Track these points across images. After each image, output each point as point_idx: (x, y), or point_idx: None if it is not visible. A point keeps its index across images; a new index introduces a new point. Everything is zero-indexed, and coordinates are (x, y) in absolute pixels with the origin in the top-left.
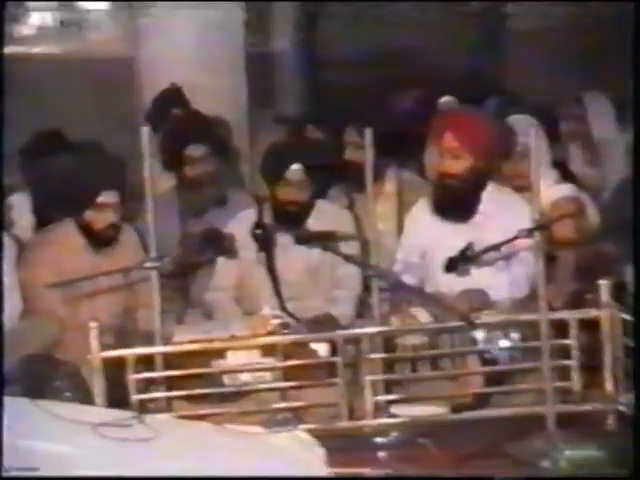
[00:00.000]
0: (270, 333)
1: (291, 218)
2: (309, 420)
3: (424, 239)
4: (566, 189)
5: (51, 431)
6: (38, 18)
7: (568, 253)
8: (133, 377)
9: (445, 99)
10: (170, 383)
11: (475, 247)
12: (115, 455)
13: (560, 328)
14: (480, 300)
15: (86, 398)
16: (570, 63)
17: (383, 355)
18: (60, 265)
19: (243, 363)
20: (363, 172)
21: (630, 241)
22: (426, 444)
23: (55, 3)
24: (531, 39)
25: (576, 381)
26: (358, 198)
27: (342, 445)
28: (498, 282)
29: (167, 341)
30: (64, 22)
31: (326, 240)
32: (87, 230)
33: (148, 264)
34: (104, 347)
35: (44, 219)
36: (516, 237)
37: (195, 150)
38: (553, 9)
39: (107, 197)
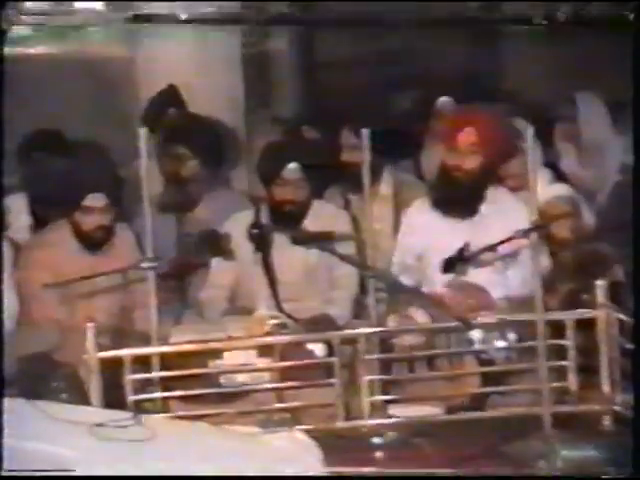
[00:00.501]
0: (267, 333)
1: (288, 218)
2: (306, 420)
3: (421, 239)
4: (560, 189)
5: (48, 432)
6: (35, 18)
7: (564, 253)
8: (130, 377)
9: (443, 99)
10: (167, 383)
11: (472, 247)
12: (112, 455)
13: (556, 328)
14: (476, 294)
15: (83, 399)
16: (567, 64)
17: (380, 355)
18: (57, 266)
19: (240, 363)
20: (359, 173)
21: (628, 242)
22: (423, 444)
23: (52, 3)
24: (529, 40)
25: (572, 381)
26: (354, 199)
27: (339, 445)
28: (494, 282)
29: (164, 341)
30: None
31: (323, 240)
32: (77, 231)
33: (145, 264)
34: (101, 347)
35: (40, 219)
36: (512, 237)
37: (181, 150)
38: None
39: (93, 200)
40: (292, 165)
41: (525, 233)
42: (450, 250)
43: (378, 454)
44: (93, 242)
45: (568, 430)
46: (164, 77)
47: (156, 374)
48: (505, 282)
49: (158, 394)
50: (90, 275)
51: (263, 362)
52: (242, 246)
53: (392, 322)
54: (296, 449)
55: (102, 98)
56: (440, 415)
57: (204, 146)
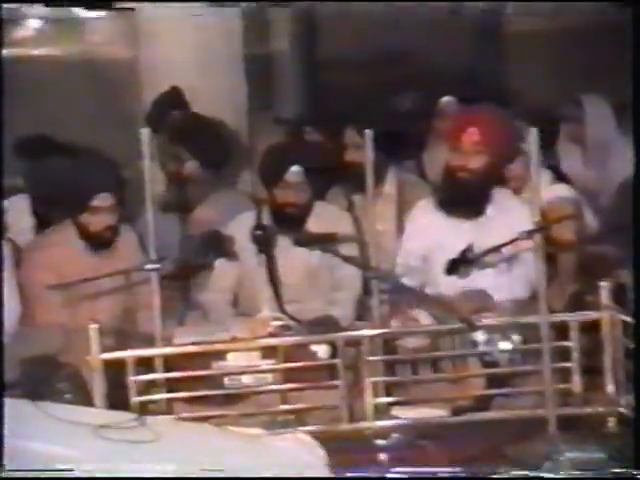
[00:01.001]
0: (270, 335)
1: (290, 221)
2: (310, 422)
3: (425, 241)
4: (561, 190)
5: (52, 433)
6: (38, 20)
7: (568, 254)
8: (133, 379)
9: (446, 99)
10: (170, 385)
11: (476, 249)
12: (116, 457)
13: (561, 330)
14: (482, 301)
15: (86, 400)
16: (570, 65)
17: (383, 357)
18: (60, 267)
19: (244, 365)
20: (363, 173)
21: (630, 243)
22: (427, 446)
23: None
24: (530, 40)
25: (577, 383)
26: (357, 199)
27: (343, 447)
28: (499, 284)
29: (167, 343)
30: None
31: (326, 242)
32: (84, 232)
33: (148, 266)
34: (104, 349)
35: (43, 220)
36: (516, 239)
37: (180, 150)
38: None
39: (101, 200)
40: (295, 168)
41: (529, 234)
42: (454, 252)
43: (382, 456)
44: (100, 242)
45: (573, 432)
46: (167, 79)
47: (160, 375)
48: (509, 284)
49: (162, 395)
50: (93, 276)
51: (267, 364)
52: (245, 248)
53: (395, 324)
54: (300, 451)
55: (105, 99)
56: (444, 417)
57: (204, 147)
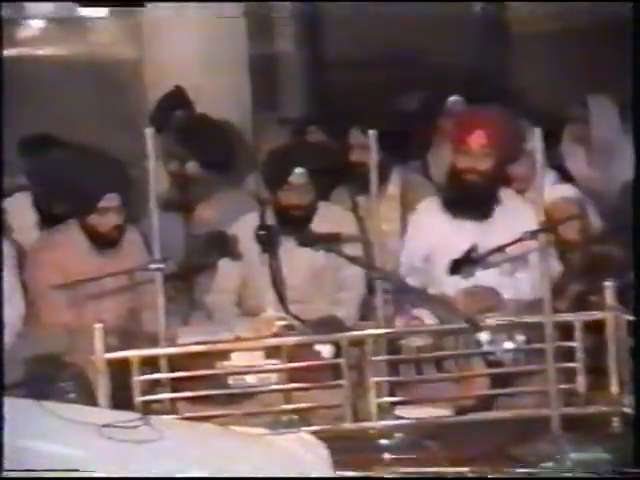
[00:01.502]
0: (274, 335)
1: (294, 222)
2: (314, 422)
3: (429, 241)
4: (565, 189)
5: (56, 432)
6: (42, 20)
7: (572, 255)
8: (137, 378)
9: (453, 98)
10: (174, 384)
11: (480, 249)
12: (119, 456)
13: (565, 330)
14: (490, 299)
15: (91, 399)
16: (574, 65)
17: (387, 357)
18: (64, 267)
19: (248, 365)
20: (368, 173)
21: (632, 243)
22: (431, 446)
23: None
24: (535, 41)
25: (581, 383)
26: (362, 199)
27: (347, 447)
28: (503, 284)
29: (171, 342)
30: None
31: (330, 242)
32: (92, 232)
33: (153, 266)
34: (109, 348)
35: (46, 216)
36: (520, 239)
37: (181, 150)
38: (556, 10)
39: (109, 201)
40: (299, 170)
41: (533, 235)
42: (458, 251)
43: (386, 455)
44: (106, 242)
45: (577, 432)
46: (171, 79)
47: (164, 375)
48: (514, 284)
49: (166, 395)
50: (98, 276)
51: (270, 363)
52: (249, 248)
53: (399, 324)
54: (304, 450)
55: (110, 99)
56: (448, 417)
57: (208, 148)
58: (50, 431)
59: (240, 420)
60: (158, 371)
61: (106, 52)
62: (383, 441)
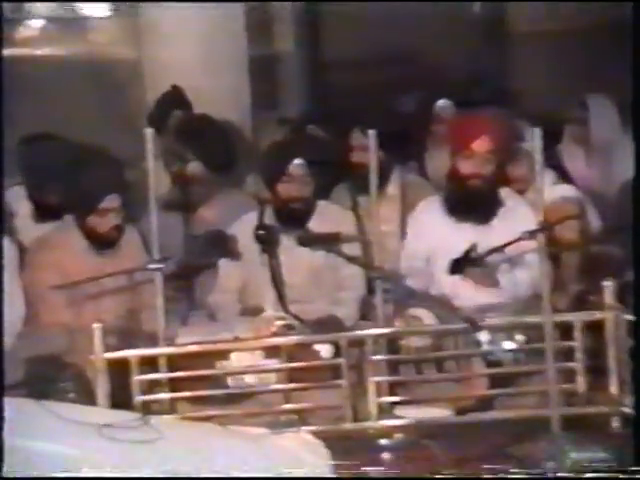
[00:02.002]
0: (274, 335)
1: (294, 216)
2: (313, 422)
3: (429, 241)
4: (565, 189)
5: (56, 432)
6: (41, 20)
7: (571, 254)
8: (137, 378)
9: (442, 102)
10: (174, 384)
11: (480, 249)
12: (119, 456)
13: (564, 330)
14: (487, 278)
15: (90, 399)
16: (573, 65)
17: (387, 357)
18: (63, 268)
19: (247, 365)
20: (368, 174)
21: (632, 243)
22: (430, 446)
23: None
24: (533, 41)
25: (581, 383)
26: (362, 200)
27: (346, 447)
28: (502, 284)
29: (171, 342)
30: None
31: (329, 242)
32: (91, 233)
33: (152, 265)
34: (108, 348)
35: (41, 208)
36: (520, 239)
37: (183, 150)
38: (555, 10)
39: (109, 202)
40: (297, 161)
41: (532, 234)
42: (458, 251)
43: (385, 455)
44: (106, 242)
45: (576, 432)
46: (171, 79)
47: (163, 375)
48: (512, 283)
49: (165, 395)
50: (97, 276)
51: (270, 363)
52: (249, 248)
53: (399, 323)
54: (303, 450)
55: (109, 100)
56: (448, 417)
57: (206, 147)
58: (50, 431)
59: (240, 420)
60: (157, 371)
61: (105, 52)
62: (383, 441)
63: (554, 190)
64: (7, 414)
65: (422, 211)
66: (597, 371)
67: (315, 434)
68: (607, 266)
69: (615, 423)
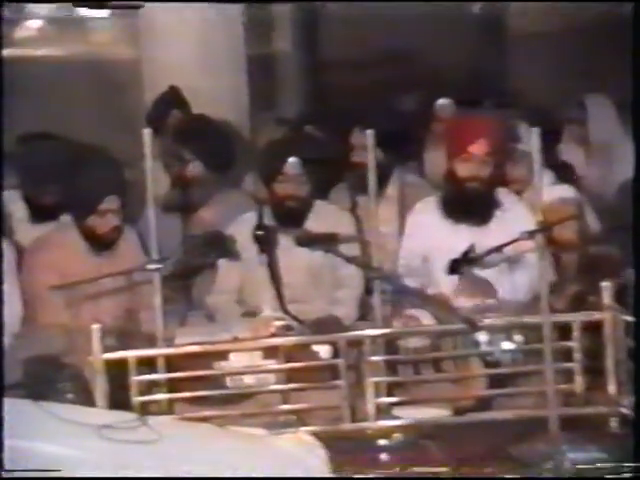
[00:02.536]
0: (272, 335)
1: (290, 215)
2: (312, 422)
3: (426, 241)
4: (563, 190)
5: (54, 433)
6: (40, 20)
7: (569, 255)
8: (135, 379)
9: (442, 101)
10: (172, 385)
11: (478, 249)
12: (118, 457)
13: (563, 330)
14: (485, 290)
15: (88, 400)
16: (572, 65)
17: (385, 357)
18: (62, 268)
19: (245, 365)
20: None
21: (631, 243)
22: (429, 446)
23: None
24: (532, 41)
25: (579, 383)
26: (361, 200)
27: (345, 447)
28: (501, 284)
29: (169, 343)
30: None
31: (327, 242)
32: (90, 234)
33: (150, 266)
34: (106, 349)
35: (38, 209)
36: (518, 239)
37: (184, 151)
38: (554, 10)
39: (109, 203)
40: (293, 159)
41: (531, 235)
42: (455, 252)
43: (384, 456)
44: (106, 243)
45: (575, 432)
46: (169, 79)
47: (162, 375)
48: (511, 284)
49: (164, 395)
50: (96, 277)
51: (269, 364)
52: (247, 248)
53: (397, 324)
54: (302, 451)
55: (108, 100)
56: (446, 417)
57: (207, 148)
58: (48, 432)
59: (238, 420)
60: (156, 371)
61: (104, 52)
62: (381, 441)
63: (552, 191)
64: (5, 415)
65: (420, 212)
66: (595, 371)
67: (313, 434)
68: (605, 267)
69: (613, 423)
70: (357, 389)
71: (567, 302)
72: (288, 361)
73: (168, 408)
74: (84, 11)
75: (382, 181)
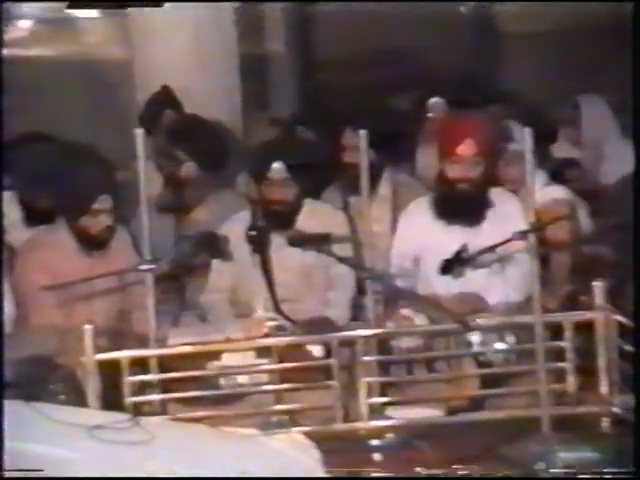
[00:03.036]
0: (265, 335)
1: (279, 218)
2: (304, 422)
3: (418, 242)
4: (557, 191)
5: (46, 434)
6: (32, 20)
7: (562, 255)
8: (128, 379)
9: (434, 100)
10: (165, 385)
11: (470, 249)
12: (110, 458)
13: (555, 330)
14: (475, 304)
15: (81, 401)
16: (566, 65)
17: (378, 357)
18: (54, 269)
19: (238, 365)
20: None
21: (629, 243)
22: (421, 446)
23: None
24: (527, 41)
25: (571, 383)
26: (353, 201)
27: (337, 447)
28: (493, 284)
29: (162, 343)
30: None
31: (320, 242)
32: (82, 234)
33: (143, 266)
34: (99, 349)
35: (31, 212)
36: (510, 239)
37: (177, 152)
38: (549, 10)
39: (102, 203)
40: (276, 165)
41: (523, 235)
42: (448, 252)
43: (377, 456)
44: (98, 243)
45: (567, 432)
46: (162, 79)
47: (154, 376)
48: (503, 284)
49: (156, 396)
50: (88, 277)
51: (261, 364)
52: (240, 248)
53: (390, 324)
54: (295, 451)
55: (100, 100)
56: (439, 417)
57: (201, 148)
58: (40, 433)
59: (231, 421)
60: (148, 372)
61: (95, 53)
62: (374, 442)
63: (546, 192)
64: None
65: (412, 213)
66: (587, 371)
67: (306, 435)
68: (598, 267)
69: (605, 423)
70: (350, 389)
71: (559, 302)
72: (281, 361)
73: (161, 408)
74: (75, 11)
75: (373, 181)
